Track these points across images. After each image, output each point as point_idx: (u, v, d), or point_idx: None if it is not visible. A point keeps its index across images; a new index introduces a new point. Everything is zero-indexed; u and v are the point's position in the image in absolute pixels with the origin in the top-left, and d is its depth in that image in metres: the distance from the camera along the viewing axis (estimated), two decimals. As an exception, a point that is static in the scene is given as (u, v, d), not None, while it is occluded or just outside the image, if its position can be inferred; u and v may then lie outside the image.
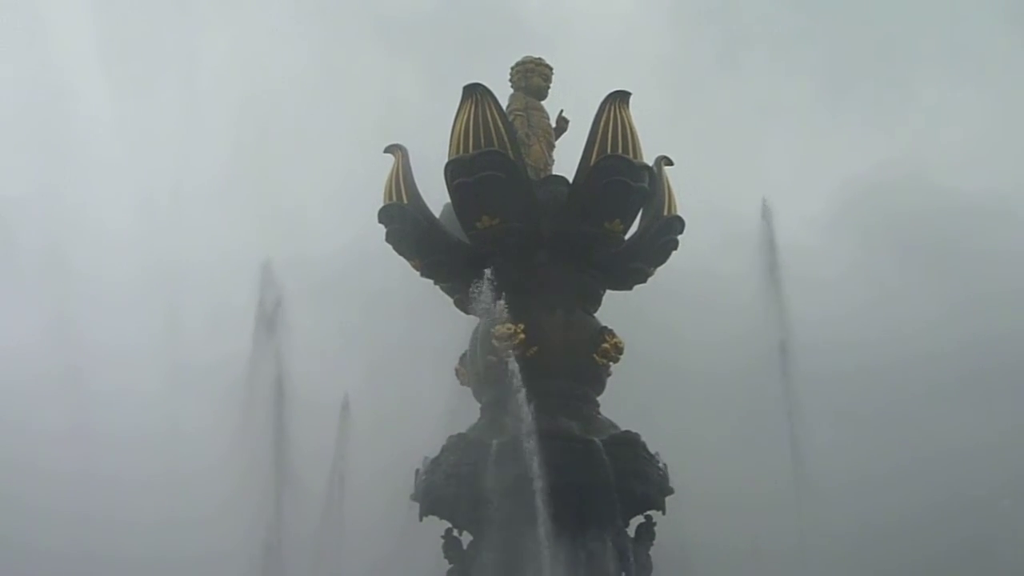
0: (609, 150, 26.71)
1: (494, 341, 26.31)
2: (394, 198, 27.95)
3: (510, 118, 27.71)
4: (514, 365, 25.27)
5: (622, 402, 27.62)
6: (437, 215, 28.33)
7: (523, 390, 24.84)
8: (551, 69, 29.48)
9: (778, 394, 27.83)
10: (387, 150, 28.69)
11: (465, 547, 25.83)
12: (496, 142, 26.56)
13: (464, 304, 28.34)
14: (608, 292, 28.60)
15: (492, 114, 26.82)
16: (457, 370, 28.08)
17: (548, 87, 29.45)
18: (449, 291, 28.80)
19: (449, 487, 25.42)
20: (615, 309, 28.47)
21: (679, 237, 28.68)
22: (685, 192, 29.44)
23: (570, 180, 27.45)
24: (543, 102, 29.35)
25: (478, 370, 27.07)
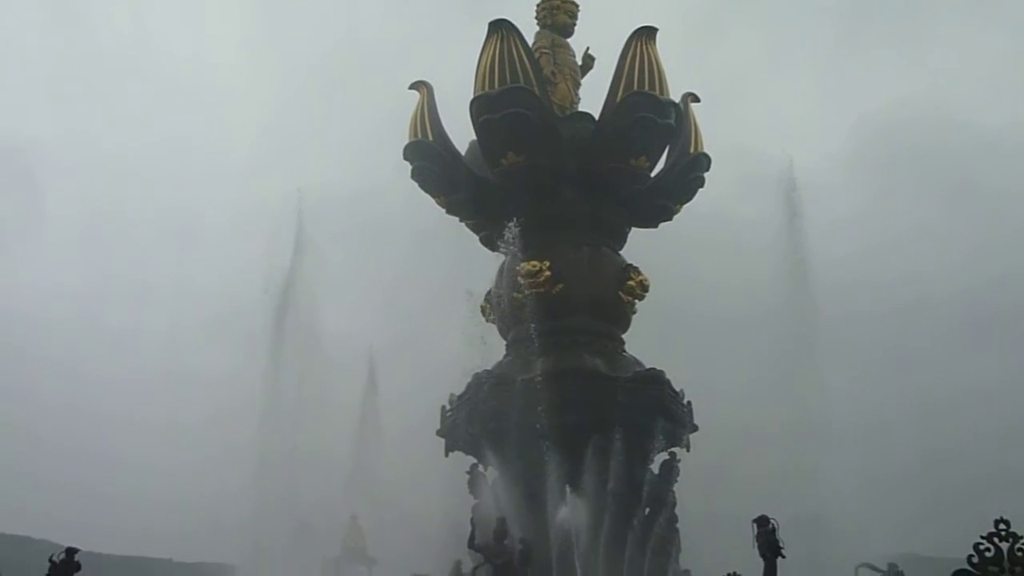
0: (635, 86, 26.50)
1: (519, 278, 26.41)
2: (419, 135, 27.85)
3: (536, 56, 27.53)
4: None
5: (646, 343, 27.68)
6: (462, 152, 28.30)
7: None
8: (577, 6, 29.25)
9: (798, 335, 27.73)
10: (412, 87, 28.52)
11: (490, 482, 26.06)
12: (522, 78, 26.37)
13: (490, 241, 28.38)
14: (633, 230, 28.55)
15: (518, 50, 26.62)
16: (483, 307, 28.16)
17: (574, 24, 29.25)
18: (474, 228, 28.77)
19: (474, 423, 25.60)
20: (638, 253, 28.40)
21: (705, 174, 28.56)
22: (704, 133, 29.24)
23: (596, 117, 27.28)
24: (569, 39, 29.18)
25: (503, 307, 27.17)
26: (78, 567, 16.59)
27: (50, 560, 16.58)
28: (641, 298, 27.20)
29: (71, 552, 16.63)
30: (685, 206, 28.92)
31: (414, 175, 27.90)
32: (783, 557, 14.29)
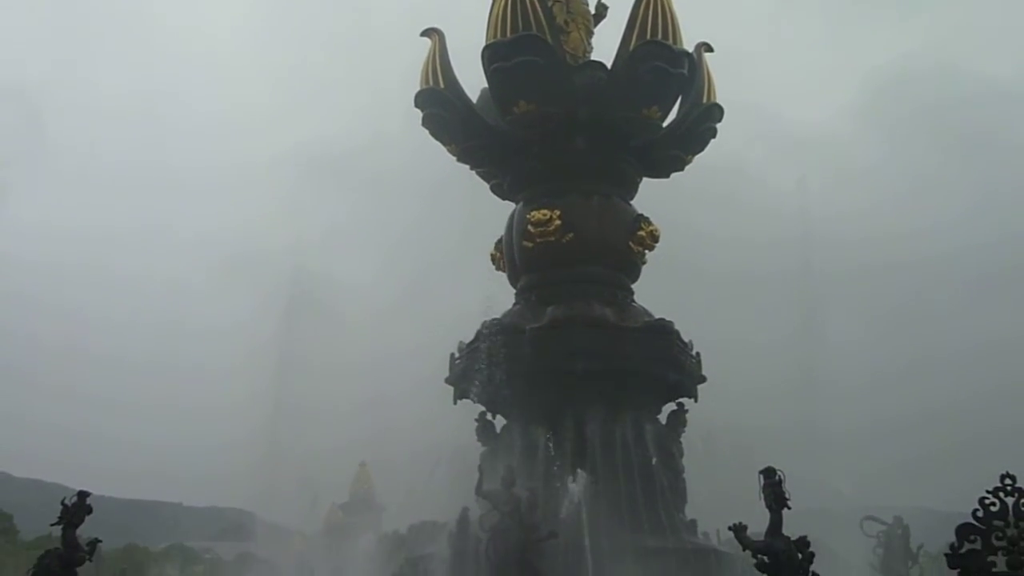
0: (649, 36, 26.23)
1: (530, 227, 26.36)
2: (431, 82, 27.64)
3: (548, 4, 27.23)
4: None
5: (655, 295, 27.67)
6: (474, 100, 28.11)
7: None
8: (589, -47, 28.91)
9: (804, 289, 27.68)
10: (424, 34, 28.28)
11: (499, 431, 26.20)
12: (534, 26, 26.08)
13: (500, 190, 28.31)
14: (644, 181, 28.43)
15: (530, -3, 26.37)
16: (493, 255, 28.17)
17: (587, -28, 28.94)
18: (485, 176, 28.69)
19: (483, 372, 25.65)
20: (649, 205, 28.29)
21: (718, 125, 28.37)
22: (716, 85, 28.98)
23: (608, 66, 27.06)
24: (582, -13, 28.88)
25: (513, 256, 27.15)
26: (89, 510, 16.72)
27: (62, 503, 16.71)
28: (651, 248, 27.13)
29: (83, 495, 16.75)
30: (697, 157, 28.75)
31: (425, 123, 27.72)
32: (789, 509, 14.36)
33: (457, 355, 26.58)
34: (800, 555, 13.74)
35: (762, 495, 14.31)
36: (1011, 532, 9.06)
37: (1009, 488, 9.35)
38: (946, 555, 9.47)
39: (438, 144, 28.14)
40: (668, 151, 28.03)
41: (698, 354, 26.44)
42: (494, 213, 28.48)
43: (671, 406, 26.30)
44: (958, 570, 9.15)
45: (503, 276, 27.95)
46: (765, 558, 13.97)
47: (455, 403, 26.67)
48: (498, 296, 26.88)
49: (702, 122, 28.10)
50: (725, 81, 29.58)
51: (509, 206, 28.04)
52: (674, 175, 28.93)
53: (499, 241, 27.99)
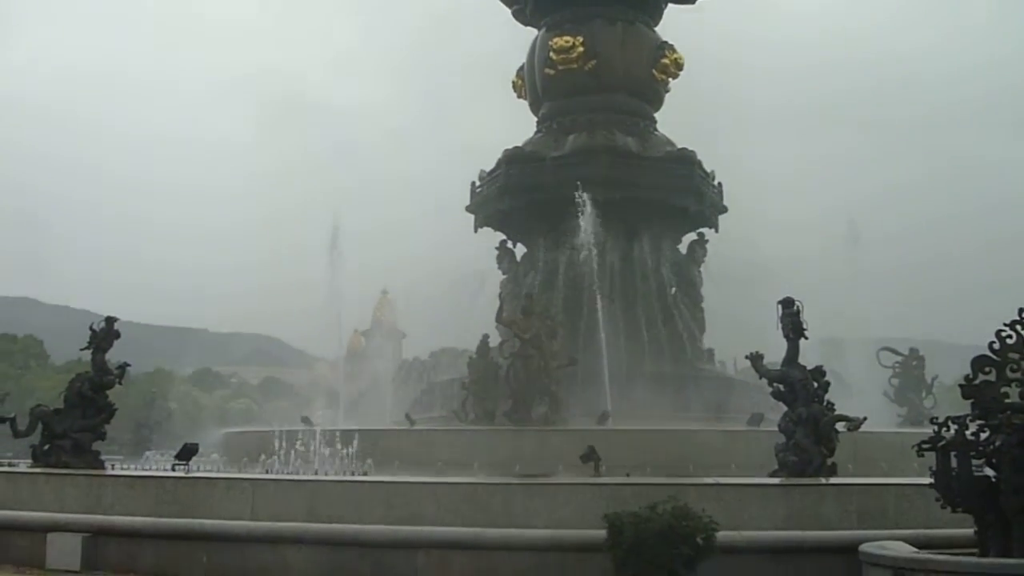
0: None
1: (552, 54, 25.92)
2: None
3: None
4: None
5: (681, 125, 27.33)
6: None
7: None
8: None
9: (834, 118, 27.21)
10: None
11: (519, 258, 26.31)
12: None
13: (522, 15, 27.73)
14: (670, 7, 27.77)
15: None
16: (514, 83, 27.80)
17: None
18: (508, 2, 28.04)
19: (504, 200, 25.62)
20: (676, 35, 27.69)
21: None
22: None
23: None
24: None
25: (535, 83, 26.77)
26: (118, 335, 16.94)
27: (91, 328, 16.92)
28: (675, 76, 26.72)
29: (110, 320, 16.95)
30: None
31: (445, -55, 26.97)
32: (806, 339, 14.45)
33: (478, 183, 26.51)
34: (816, 384, 13.87)
35: (780, 324, 14.36)
36: (1026, 364, 9.10)
37: (1027, 321, 9.34)
38: (960, 386, 9.53)
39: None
40: (694, -26, 27.31)
41: (720, 184, 26.29)
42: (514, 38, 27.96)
43: (692, 235, 26.33)
44: (971, 400, 9.23)
45: (524, 104, 27.63)
46: (781, 386, 14.13)
47: (476, 231, 26.75)
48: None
49: (730, -56, 27.29)
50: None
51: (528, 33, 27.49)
52: (700, 1, 28.22)
53: (521, 68, 27.56)
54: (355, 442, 17.17)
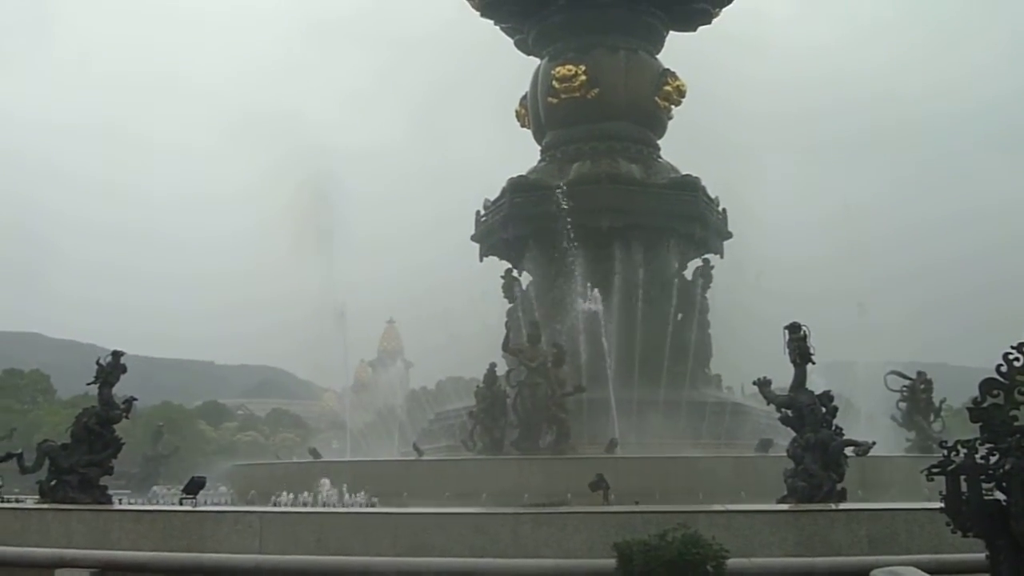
0: None
1: (555, 83, 26.04)
2: (453, -66, 27.06)
3: None
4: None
5: (686, 142, 27.38)
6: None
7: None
8: None
9: (837, 136, 27.32)
10: None
11: (525, 287, 26.32)
12: None
13: (525, 45, 27.87)
14: (671, 35, 27.90)
15: None
16: (518, 112, 27.91)
17: None
18: (509, 32, 28.22)
19: (509, 229, 25.69)
20: (678, 53, 27.83)
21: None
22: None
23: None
24: None
25: (538, 112, 26.87)
26: (124, 369, 16.92)
27: (97, 363, 16.91)
28: (678, 103, 26.87)
29: (117, 355, 16.93)
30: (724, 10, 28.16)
31: (448, -27, 27.15)
32: (813, 364, 14.39)
33: (483, 212, 26.58)
34: (824, 408, 13.81)
35: (787, 349, 14.31)
36: (1034, 386, 9.05)
37: (1034, 343, 9.28)
38: (968, 409, 9.48)
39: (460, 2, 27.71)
40: (694, 4, 27.45)
41: (724, 210, 26.34)
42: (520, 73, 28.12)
43: (697, 261, 26.33)
44: (979, 424, 9.18)
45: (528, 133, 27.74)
46: (789, 412, 14.07)
47: (481, 260, 26.80)
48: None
49: (729, -28, 27.42)
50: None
51: (533, 63, 27.63)
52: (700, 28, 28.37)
53: (524, 97, 27.69)
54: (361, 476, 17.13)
